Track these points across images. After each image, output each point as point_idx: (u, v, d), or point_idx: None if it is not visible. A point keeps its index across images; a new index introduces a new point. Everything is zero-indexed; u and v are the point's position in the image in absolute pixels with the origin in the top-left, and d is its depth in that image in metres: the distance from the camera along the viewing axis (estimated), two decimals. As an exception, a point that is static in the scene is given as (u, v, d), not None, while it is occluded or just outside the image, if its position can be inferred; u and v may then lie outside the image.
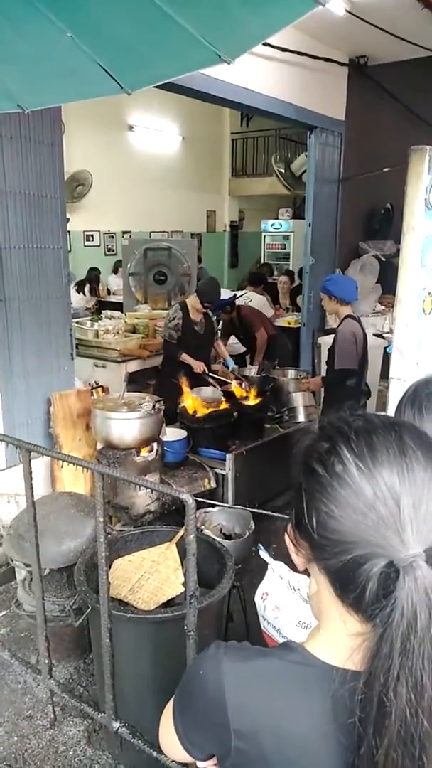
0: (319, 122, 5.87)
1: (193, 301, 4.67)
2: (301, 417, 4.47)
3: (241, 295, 6.38)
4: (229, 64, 1.71)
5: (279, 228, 10.81)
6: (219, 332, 5.02)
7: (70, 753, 2.34)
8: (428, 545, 0.66)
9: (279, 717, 0.72)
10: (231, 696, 0.75)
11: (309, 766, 0.71)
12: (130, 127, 10.13)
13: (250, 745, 0.73)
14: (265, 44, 4.80)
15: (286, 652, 0.77)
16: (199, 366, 4.54)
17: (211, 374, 4.63)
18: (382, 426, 0.73)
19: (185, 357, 4.58)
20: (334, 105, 6.09)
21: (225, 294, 5.68)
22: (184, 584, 2.12)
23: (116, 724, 1.98)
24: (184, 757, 0.85)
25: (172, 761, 1.87)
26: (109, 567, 2.06)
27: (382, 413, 0.81)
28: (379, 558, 0.66)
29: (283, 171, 8.96)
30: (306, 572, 0.84)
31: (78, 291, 8.63)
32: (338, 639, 0.74)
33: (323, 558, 0.71)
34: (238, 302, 5.92)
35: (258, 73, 4.91)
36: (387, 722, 0.64)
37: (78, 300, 8.30)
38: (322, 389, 4.44)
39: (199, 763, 0.86)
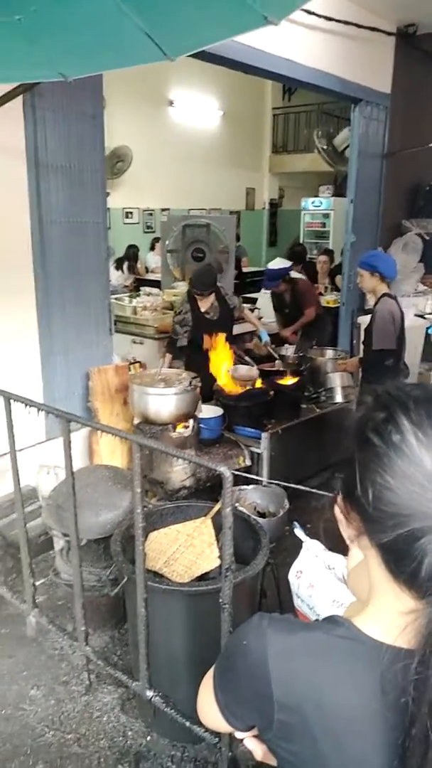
0: (364, 95, 5.69)
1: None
2: (338, 398, 4.41)
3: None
4: (276, 25, 1.65)
5: (319, 206, 10.60)
6: (237, 308, 4.71)
7: (104, 719, 2.39)
8: None
9: (325, 691, 0.71)
10: (275, 667, 0.73)
11: (354, 742, 0.70)
12: (171, 103, 10.04)
13: (294, 718, 0.72)
14: (310, 13, 4.66)
15: (333, 626, 0.75)
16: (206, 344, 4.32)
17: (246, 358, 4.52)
18: None
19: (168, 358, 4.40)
20: (380, 77, 5.89)
21: (281, 264, 5.45)
22: (220, 558, 2.12)
23: (150, 693, 2.01)
24: (225, 727, 0.85)
25: (205, 731, 1.89)
26: (145, 539, 2.08)
27: None
28: None
29: (325, 147, 8.75)
30: (342, 551, 0.82)
31: (116, 268, 8.67)
32: (388, 615, 0.72)
33: (377, 531, 0.69)
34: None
35: (301, 44, 4.77)
36: None
37: (116, 277, 8.34)
38: (360, 369, 4.37)
39: (238, 734, 0.86)
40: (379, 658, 0.69)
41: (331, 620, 0.77)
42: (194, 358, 4.39)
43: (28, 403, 1.96)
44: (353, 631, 0.73)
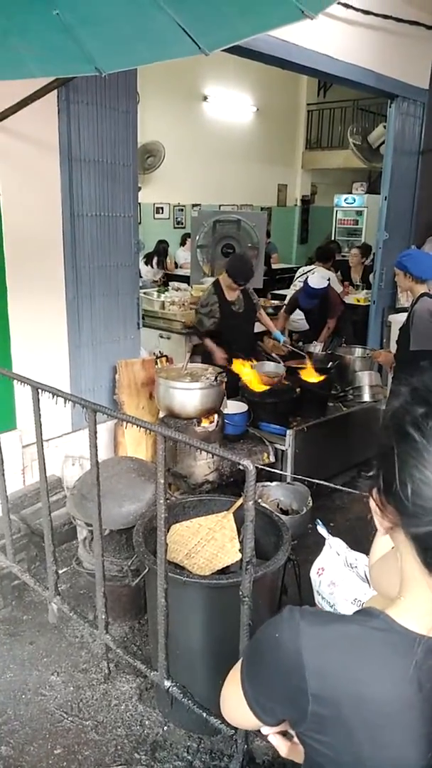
0: (401, 91, 5.60)
1: (226, 281, 4.43)
2: (366, 397, 4.37)
3: (308, 271, 6.24)
4: (312, 19, 1.65)
5: (352, 203, 10.50)
6: (258, 304, 4.75)
7: (122, 707, 2.42)
8: None
9: (361, 683, 0.71)
10: (309, 659, 0.74)
11: (390, 734, 0.70)
12: (205, 98, 10.03)
13: (329, 710, 0.72)
14: (348, 6, 4.61)
15: (367, 618, 0.76)
16: (220, 357, 4.35)
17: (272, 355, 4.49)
18: None
19: (208, 343, 4.39)
20: (418, 72, 5.78)
21: (321, 281, 5.15)
22: (241, 551, 2.12)
23: (168, 683, 2.03)
24: (252, 723, 0.84)
25: (222, 723, 1.90)
26: (167, 531, 2.09)
27: None
28: None
29: (359, 143, 8.64)
30: (365, 549, 0.82)
31: (146, 263, 8.70)
32: (422, 607, 0.73)
33: (413, 525, 0.69)
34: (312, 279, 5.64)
35: (338, 39, 4.72)
36: None
37: (146, 272, 8.39)
38: (390, 368, 4.31)
39: (264, 729, 0.86)
40: (414, 649, 0.70)
41: (366, 612, 0.78)
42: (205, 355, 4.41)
43: (56, 393, 1.99)
44: (388, 623, 0.74)
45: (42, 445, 2.25)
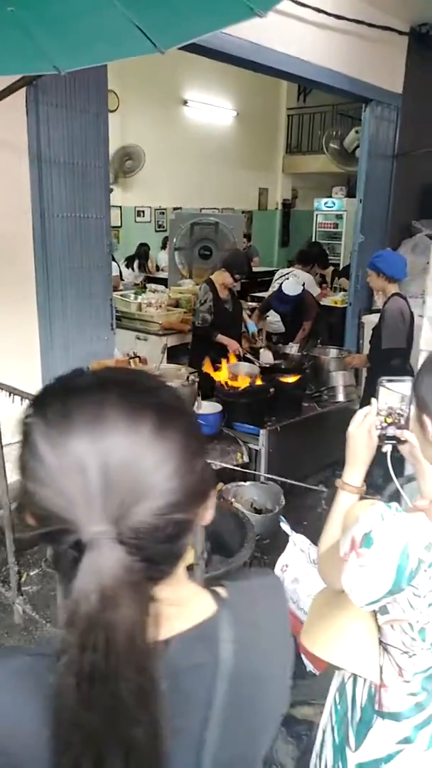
0: (375, 95, 5.67)
1: (221, 277, 4.47)
2: (340, 397, 4.39)
3: (287, 273, 6.26)
4: (261, 17, 1.66)
5: (332, 207, 10.57)
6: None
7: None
8: (117, 521, 0.60)
9: (19, 722, 0.64)
10: None
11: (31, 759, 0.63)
12: (185, 102, 10.06)
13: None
14: (320, 11, 4.65)
15: (7, 657, 0.71)
16: (235, 346, 4.42)
17: (247, 356, 4.53)
18: (88, 388, 0.67)
19: (221, 338, 4.42)
20: (392, 77, 5.86)
21: (296, 288, 5.16)
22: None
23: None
24: None
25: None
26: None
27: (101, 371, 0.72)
28: (69, 534, 0.60)
29: (338, 147, 8.72)
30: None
31: (127, 266, 8.70)
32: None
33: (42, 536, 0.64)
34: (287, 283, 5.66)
35: (312, 43, 4.77)
36: (66, 713, 0.58)
37: (127, 275, 8.38)
38: (365, 368, 4.34)
39: None
40: (49, 669, 0.62)
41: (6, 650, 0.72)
42: (201, 351, 4.42)
43: (12, 391, 1.98)
44: (21, 650, 0.69)
45: (1, 449, 2.23)
